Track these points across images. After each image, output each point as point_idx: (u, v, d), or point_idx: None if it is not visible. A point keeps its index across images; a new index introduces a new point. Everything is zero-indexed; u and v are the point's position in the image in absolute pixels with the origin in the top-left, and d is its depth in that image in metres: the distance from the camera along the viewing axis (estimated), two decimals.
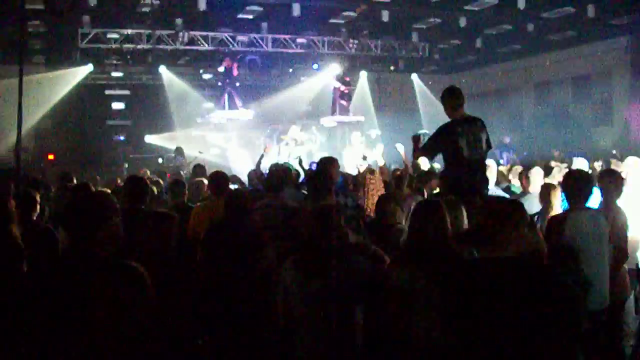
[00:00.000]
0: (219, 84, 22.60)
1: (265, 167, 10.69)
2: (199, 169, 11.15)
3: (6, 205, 5.76)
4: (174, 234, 4.78)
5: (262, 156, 11.23)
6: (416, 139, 7.46)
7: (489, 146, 7.11)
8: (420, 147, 7.40)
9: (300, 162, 11.21)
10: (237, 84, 22.01)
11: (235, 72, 21.74)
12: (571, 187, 5.81)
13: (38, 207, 6.68)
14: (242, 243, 5.77)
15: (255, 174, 10.57)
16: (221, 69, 21.76)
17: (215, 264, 5.84)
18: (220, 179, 7.55)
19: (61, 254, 5.37)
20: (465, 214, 4.99)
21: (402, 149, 9.76)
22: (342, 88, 22.65)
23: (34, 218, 6.60)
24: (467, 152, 6.82)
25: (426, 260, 4.18)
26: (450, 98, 7.17)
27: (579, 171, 6.73)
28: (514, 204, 3.75)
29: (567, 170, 8.13)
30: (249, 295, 5.56)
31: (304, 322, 4.46)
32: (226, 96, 21.59)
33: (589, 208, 5.81)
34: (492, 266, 3.38)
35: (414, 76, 24.96)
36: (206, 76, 23.54)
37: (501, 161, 14.58)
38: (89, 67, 21.37)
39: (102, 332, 3.03)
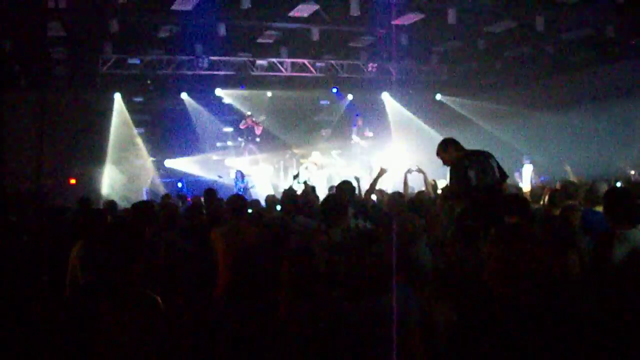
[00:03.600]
0: (239, 139, 22.86)
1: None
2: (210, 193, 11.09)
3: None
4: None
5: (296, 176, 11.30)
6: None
7: (503, 175, 7.30)
8: (450, 195, 7.63)
9: (305, 184, 11.32)
10: (257, 140, 22.30)
11: (258, 132, 22.07)
12: (614, 205, 5.44)
13: None
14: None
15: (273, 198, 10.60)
16: (243, 125, 22.12)
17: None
18: (237, 203, 7.54)
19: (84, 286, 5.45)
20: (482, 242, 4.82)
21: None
22: (363, 144, 22.56)
23: None
24: (475, 181, 7.03)
25: (457, 292, 4.04)
26: (450, 145, 7.62)
27: (622, 189, 6.66)
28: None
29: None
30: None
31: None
32: (247, 153, 21.91)
33: (635, 227, 5.30)
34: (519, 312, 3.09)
35: (439, 96, 24.77)
36: (226, 101, 23.66)
37: (519, 183, 14.46)
38: (117, 96, 21.80)
39: None
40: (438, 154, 7.73)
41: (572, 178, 12.01)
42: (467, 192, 7.19)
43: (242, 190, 18.21)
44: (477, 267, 4.11)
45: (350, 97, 24.32)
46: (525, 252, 3.19)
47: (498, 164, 7.42)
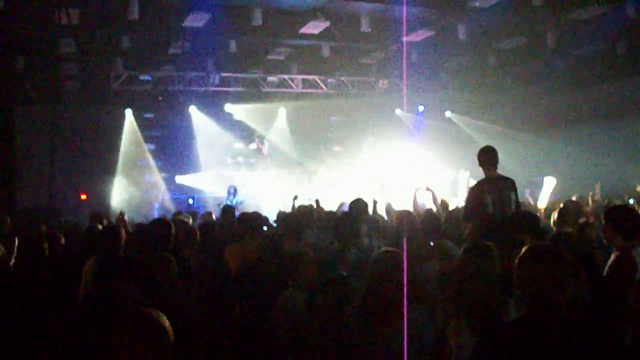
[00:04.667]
0: (251, 159, 22.98)
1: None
2: (228, 210, 11.13)
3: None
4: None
5: (295, 198, 11.32)
6: None
7: (518, 209, 7.27)
8: (465, 218, 7.64)
9: (317, 203, 11.26)
10: (268, 160, 22.43)
11: (264, 152, 22.13)
12: (625, 222, 5.46)
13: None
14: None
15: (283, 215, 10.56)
16: (252, 146, 22.24)
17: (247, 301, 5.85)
18: (252, 220, 7.52)
19: (85, 301, 5.45)
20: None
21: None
22: (372, 159, 22.39)
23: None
24: (491, 209, 6.99)
25: (473, 313, 3.96)
26: (483, 156, 7.53)
27: (627, 206, 6.66)
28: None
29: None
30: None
31: None
32: (257, 170, 22.00)
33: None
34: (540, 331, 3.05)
35: (448, 113, 24.64)
36: (237, 117, 23.70)
37: (530, 200, 14.20)
38: (128, 112, 21.87)
39: None
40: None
41: (597, 197, 11.89)
42: (480, 215, 7.14)
43: (234, 205, 18.05)
44: (489, 286, 4.05)
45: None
46: (558, 273, 3.14)
47: (517, 196, 7.43)
